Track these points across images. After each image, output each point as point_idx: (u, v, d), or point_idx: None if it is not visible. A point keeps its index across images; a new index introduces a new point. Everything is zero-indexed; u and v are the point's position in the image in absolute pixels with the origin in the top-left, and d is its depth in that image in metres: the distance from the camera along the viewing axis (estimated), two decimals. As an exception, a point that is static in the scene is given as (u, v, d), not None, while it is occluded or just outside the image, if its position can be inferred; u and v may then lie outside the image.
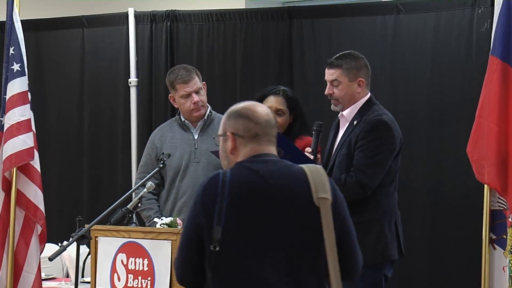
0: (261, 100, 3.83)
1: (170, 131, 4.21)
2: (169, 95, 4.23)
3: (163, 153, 3.79)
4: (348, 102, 3.57)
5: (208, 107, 4.20)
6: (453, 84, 4.73)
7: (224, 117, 2.52)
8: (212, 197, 2.34)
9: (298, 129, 3.84)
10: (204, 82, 4.20)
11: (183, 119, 4.18)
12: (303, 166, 2.46)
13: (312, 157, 3.54)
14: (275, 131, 2.52)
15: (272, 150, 2.50)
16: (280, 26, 5.18)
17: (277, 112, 3.80)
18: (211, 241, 2.30)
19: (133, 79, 5.46)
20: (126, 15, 5.48)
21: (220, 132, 2.52)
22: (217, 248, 2.29)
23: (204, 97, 4.13)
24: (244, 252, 2.32)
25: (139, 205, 3.55)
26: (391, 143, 3.45)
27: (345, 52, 3.66)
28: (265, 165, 2.42)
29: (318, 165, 2.52)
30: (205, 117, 4.16)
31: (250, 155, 2.45)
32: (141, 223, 4.26)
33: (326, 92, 3.62)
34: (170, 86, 4.18)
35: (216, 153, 3.75)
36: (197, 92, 4.09)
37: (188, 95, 4.09)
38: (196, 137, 4.15)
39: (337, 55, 3.65)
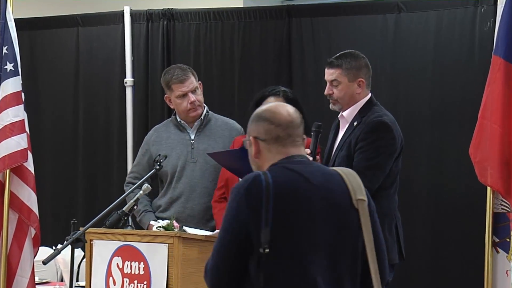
0: (260, 101, 3.83)
1: (166, 131, 4.21)
2: (165, 96, 4.23)
3: (159, 155, 3.78)
4: (348, 102, 3.57)
5: (204, 107, 4.20)
6: (455, 84, 4.73)
7: (249, 123, 2.53)
8: (258, 199, 2.31)
9: None
10: (200, 82, 4.20)
11: (179, 120, 4.18)
12: (335, 168, 2.48)
13: (311, 158, 3.54)
14: (300, 131, 2.49)
15: (301, 151, 2.48)
16: (279, 25, 5.18)
17: None
18: (260, 243, 2.28)
19: (128, 79, 5.46)
20: (121, 14, 5.47)
21: (246, 137, 2.52)
22: (267, 250, 2.27)
23: (200, 97, 4.14)
24: (292, 253, 2.31)
25: (135, 207, 3.54)
26: (391, 145, 3.45)
27: (346, 51, 3.66)
28: (303, 166, 2.42)
29: (349, 168, 2.52)
30: (202, 117, 4.16)
31: (280, 158, 2.43)
32: (137, 226, 4.26)
33: (325, 92, 3.62)
34: (165, 86, 4.18)
35: (213, 155, 3.77)
36: (193, 92, 4.10)
37: (184, 95, 4.08)
38: (192, 137, 4.15)
39: (337, 54, 3.64)
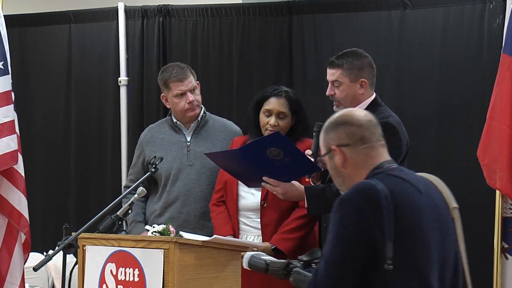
0: (261, 101, 3.83)
1: (160, 132, 4.21)
2: (161, 95, 4.23)
3: (155, 157, 3.79)
4: (350, 103, 3.57)
5: (202, 107, 4.21)
6: (463, 84, 4.73)
7: (321, 135, 2.46)
8: (380, 211, 2.24)
9: (300, 132, 3.84)
10: (198, 82, 4.20)
11: (175, 120, 4.18)
12: (422, 174, 2.45)
13: (312, 159, 3.55)
14: (380, 130, 2.46)
15: (387, 153, 2.45)
16: (279, 22, 5.18)
17: (279, 115, 3.80)
18: (383, 259, 2.22)
19: (123, 78, 5.46)
20: (115, 10, 5.48)
21: (322, 151, 2.45)
22: (391, 267, 2.21)
23: (199, 97, 4.14)
24: (414, 268, 2.27)
25: (130, 211, 3.54)
26: (397, 148, 3.45)
27: (348, 50, 3.65)
28: (406, 173, 2.40)
29: (432, 175, 2.51)
30: (199, 118, 4.16)
31: (375, 163, 2.39)
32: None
33: (327, 93, 3.62)
34: (163, 84, 4.18)
35: (211, 155, 3.77)
36: (192, 91, 4.10)
37: (183, 94, 4.08)
38: (189, 139, 4.15)
39: (339, 53, 3.64)
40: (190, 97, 4.08)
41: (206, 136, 4.15)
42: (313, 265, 2.58)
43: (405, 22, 4.88)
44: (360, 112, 2.46)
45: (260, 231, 3.76)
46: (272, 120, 3.78)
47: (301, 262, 2.59)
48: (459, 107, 4.73)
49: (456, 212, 2.41)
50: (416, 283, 2.25)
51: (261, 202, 3.76)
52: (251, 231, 3.79)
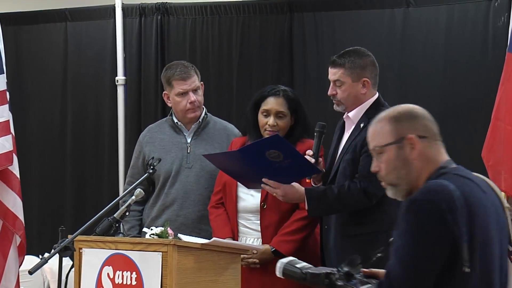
0: (259, 101, 3.83)
1: (160, 132, 4.20)
2: (164, 92, 4.23)
3: (153, 158, 3.78)
4: (352, 103, 3.57)
5: (203, 109, 4.20)
6: (467, 83, 4.73)
7: (388, 123, 2.45)
8: (455, 211, 2.25)
9: (300, 132, 3.84)
10: (202, 82, 4.20)
11: (175, 121, 4.17)
12: (476, 174, 2.47)
13: (313, 160, 3.55)
14: None
15: None
16: (280, 20, 5.18)
17: (278, 115, 3.79)
18: (461, 260, 2.24)
19: (120, 77, 5.46)
20: (113, 8, 5.48)
21: (389, 139, 2.43)
22: (467, 270, 2.23)
23: (201, 98, 4.13)
24: (484, 271, 2.29)
25: (127, 213, 3.54)
26: (399, 148, 3.45)
27: (350, 49, 3.65)
28: (467, 172, 2.41)
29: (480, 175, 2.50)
30: (200, 120, 4.16)
31: (441, 160, 2.41)
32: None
33: (329, 92, 3.62)
34: (166, 82, 4.18)
35: (210, 157, 3.77)
36: (194, 91, 4.09)
37: (185, 94, 4.08)
38: (189, 140, 4.15)
39: (341, 52, 3.63)
40: (192, 97, 4.07)
41: (206, 138, 4.14)
42: (357, 277, 2.53)
43: (408, 21, 4.88)
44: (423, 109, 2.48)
45: (260, 233, 3.76)
46: (271, 120, 3.78)
47: (342, 273, 2.53)
48: (463, 107, 4.73)
49: (508, 213, 2.43)
50: (487, 285, 2.28)
51: (260, 203, 3.76)
52: (250, 233, 3.79)
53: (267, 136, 3.74)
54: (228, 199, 3.85)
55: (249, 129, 3.89)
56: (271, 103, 3.81)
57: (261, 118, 3.82)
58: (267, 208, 3.75)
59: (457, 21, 4.75)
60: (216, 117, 4.30)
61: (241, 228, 3.81)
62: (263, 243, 3.74)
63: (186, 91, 4.07)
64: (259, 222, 3.77)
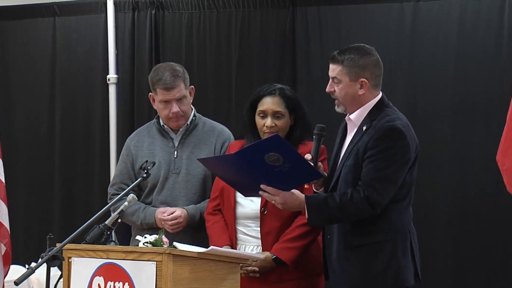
0: (255, 102, 3.82)
1: (148, 136, 4.20)
2: (150, 93, 4.23)
3: (146, 161, 3.77)
4: (350, 104, 3.55)
5: (192, 110, 4.19)
6: (481, 82, 4.73)
7: None
8: None
9: (300, 133, 3.82)
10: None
11: (162, 124, 4.17)
12: None
13: (312, 164, 3.54)
14: None
15: None
16: (281, 15, 5.18)
17: (275, 115, 3.78)
18: None
19: (112, 75, 5.46)
20: (104, 2, 5.48)
21: None
22: None
23: (186, 107, 4.10)
24: None
25: (119, 220, 3.54)
26: (405, 153, 3.43)
27: (354, 45, 3.61)
28: None
29: None
30: (188, 122, 4.15)
31: None
32: (121, 241, 4.25)
33: (327, 89, 3.59)
34: (151, 85, 4.18)
35: (204, 161, 3.74)
36: (179, 100, 4.09)
37: (168, 102, 4.08)
38: (176, 144, 4.15)
39: (344, 48, 3.61)
40: (175, 108, 4.06)
41: (193, 141, 4.13)
42: None
43: (418, 15, 4.88)
44: None
45: (259, 241, 3.76)
46: (268, 121, 3.77)
47: None
48: (477, 106, 4.73)
49: None
50: None
51: (260, 209, 3.75)
52: (250, 241, 3.78)
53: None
54: (226, 205, 3.84)
55: (246, 132, 3.88)
56: (267, 103, 3.80)
57: (258, 120, 3.81)
58: (268, 214, 3.74)
59: (470, 15, 4.75)
60: (212, 119, 4.29)
61: (239, 236, 3.80)
62: (263, 250, 3.73)
63: (169, 100, 4.08)
64: (259, 229, 3.76)
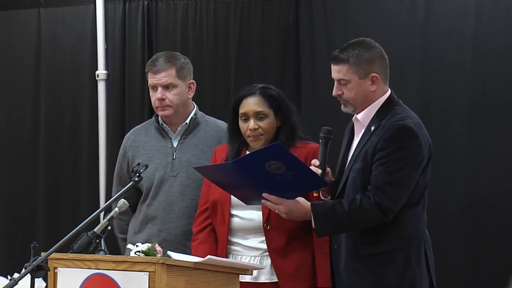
0: (236, 106, 3.80)
1: (145, 135, 4.20)
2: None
3: (138, 164, 3.77)
4: (362, 103, 3.54)
5: (194, 107, 4.18)
6: (499, 77, 4.73)
7: None
8: None
9: (289, 134, 3.78)
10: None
11: (160, 122, 4.17)
12: None
13: (320, 171, 3.52)
14: None
15: None
16: (284, 5, 5.17)
17: (257, 116, 3.76)
18: None
19: (101, 71, 5.46)
20: (93, -8, 5.49)
21: None
22: None
23: (174, 96, 4.08)
24: None
25: (108, 228, 3.54)
26: (417, 154, 3.43)
27: (353, 41, 3.60)
28: None
29: None
30: (187, 121, 4.14)
31: None
32: (112, 250, 4.24)
33: (333, 93, 3.58)
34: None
35: (201, 169, 3.73)
36: (166, 88, 4.08)
37: (155, 88, 4.09)
38: (175, 144, 4.13)
39: (344, 46, 3.60)
40: (159, 93, 4.07)
41: (195, 142, 4.12)
42: None
43: (432, 5, 4.88)
44: None
45: (259, 252, 3.73)
46: (251, 123, 3.75)
47: None
48: (494, 102, 4.73)
49: None
50: None
51: (263, 224, 3.73)
52: (246, 253, 3.76)
53: (252, 142, 3.73)
54: (219, 219, 3.81)
55: (231, 137, 3.87)
56: (246, 105, 3.78)
57: (241, 124, 3.79)
58: (271, 229, 3.72)
59: (488, 5, 4.76)
60: (210, 117, 4.28)
61: (234, 248, 3.78)
62: (273, 265, 3.71)
63: (154, 85, 4.08)
64: (258, 240, 3.74)
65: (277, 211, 3.51)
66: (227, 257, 3.77)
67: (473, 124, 4.78)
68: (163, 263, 3.19)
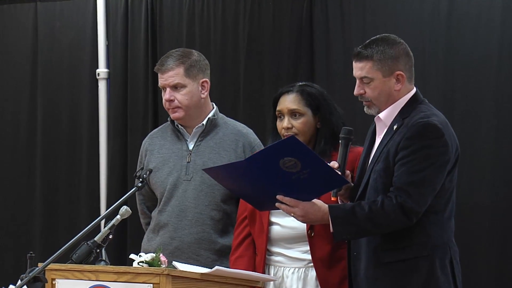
0: (275, 104, 3.81)
1: (162, 138, 4.20)
2: None
3: (141, 168, 3.77)
4: (386, 103, 3.55)
5: (213, 108, 4.17)
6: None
7: None
8: None
9: (329, 136, 3.78)
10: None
11: (176, 123, 4.17)
12: None
13: (339, 173, 3.52)
14: None
15: None
16: (297, 0, 5.16)
17: (292, 114, 3.76)
18: None
19: (102, 69, 5.47)
20: (93, -14, 5.50)
21: None
22: None
23: (183, 97, 4.07)
24: None
25: (110, 237, 3.54)
26: (443, 154, 3.42)
27: (377, 37, 3.61)
28: None
29: None
30: (204, 122, 4.13)
31: None
32: (112, 260, 4.23)
33: (355, 92, 3.58)
34: None
35: (210, 171, 3.72)
36: (174, 88, 4.08)
37: (164, 89, 4.10)
38: (191, 147, 4.13)
39: (367, 42, 3.60)
40: (167, 94, 4.07)
41: (211, 145, 4.11)
42: None
43: (456, -1, 4.87)
44: None
45: (303, 262, 3.73)
46: (285, 121, 3.75)
47: None
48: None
49: None
50: None
51: (307, 230, 3.71)
52: (289, 264, 3.75)
53: None
54: (258, 227, 3.80)
55: (272, 137, 3.87)
56: (283, 101, 3.80)
57: (278, 123, 3.80)
58: (315, 236, 3.71)
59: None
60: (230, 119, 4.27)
61: (276, 258, 3.77)
62: (317, 275, 3.69)
63: (163, 86, 4.09)
64: (302, 249, 3.73)
65: (292, 214, 3.51)
66: (265, 269, 3.76)
67: (499, 122, 4.77)
68: (168, 274, 3.20)
